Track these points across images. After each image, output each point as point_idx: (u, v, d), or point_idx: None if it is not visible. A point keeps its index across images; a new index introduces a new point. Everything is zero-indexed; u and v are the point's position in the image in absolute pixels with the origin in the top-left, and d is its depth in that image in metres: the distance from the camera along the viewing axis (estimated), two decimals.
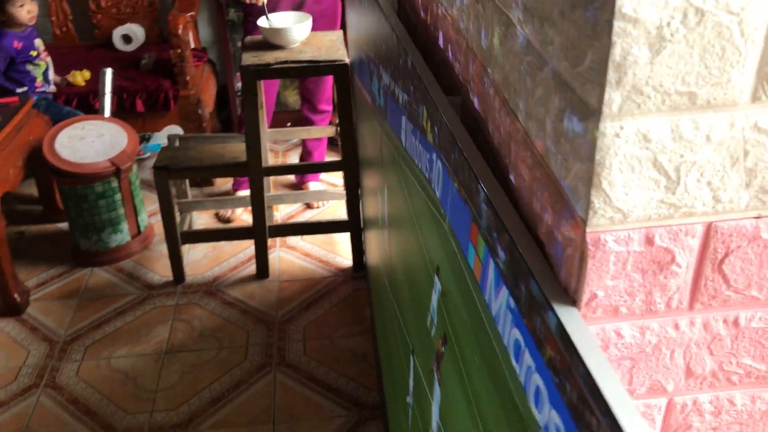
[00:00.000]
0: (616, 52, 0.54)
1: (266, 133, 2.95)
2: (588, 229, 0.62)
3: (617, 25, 0.53)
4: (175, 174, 2.60)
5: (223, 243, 3.06)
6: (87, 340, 2.55)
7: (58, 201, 3.12)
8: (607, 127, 0.57)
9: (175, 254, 2.76)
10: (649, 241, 0.63)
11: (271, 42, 2.61)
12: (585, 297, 0.65)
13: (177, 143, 2.84)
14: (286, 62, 2.52)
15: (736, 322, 0.69)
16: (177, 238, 2.72)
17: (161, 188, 2.61)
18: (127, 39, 3.73)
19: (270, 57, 2.55)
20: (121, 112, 3.24)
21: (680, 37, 0.54)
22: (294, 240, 3.11)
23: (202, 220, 3.27)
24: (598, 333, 0.67)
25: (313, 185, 3.39)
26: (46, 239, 3.15)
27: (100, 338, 2.57)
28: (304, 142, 3.31)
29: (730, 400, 0.74)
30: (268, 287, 2.82)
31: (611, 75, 0.55)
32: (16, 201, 3.43)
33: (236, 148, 2.73)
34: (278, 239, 3.11)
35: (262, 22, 2.62)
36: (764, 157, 0.60)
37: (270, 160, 3.21)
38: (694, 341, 0.69)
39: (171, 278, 2.86)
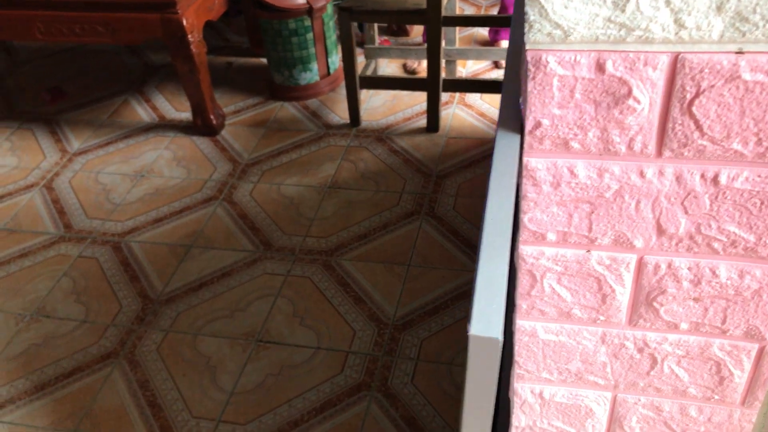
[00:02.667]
0: None
1: None
2: (527, 47, 0.56)
3: None
4: (356, 16, 2.65)
5: (403, 94, 3.12)
6: (265, 166, 2.80)
7: None
8: None
9: (352, 96, 2.86)
10: (600, 67, 0.56)
11: None
12: (529, 124, 0.60)
13: None
14: None
15: (715, 180, 0.60)
16: (355, 81, 2.82)
17: (343, 29, 2.68)
18: None
19: None
20: None
21: None
22: (472, 98, 3.08)
23: (390, 69, 3.34)
24: (549, 168, 0.63)
25: (505, 44, 3.28)
26: (249, 72, 3.42)
27: (276, 166, 2.80)
28: None
29: (713, 270, 0.66)
30: (435, 141, 2.86)
31: None
32: (230, 34, 3.73)
33: None
34: (457, 96, 3.10)
35: None
36: None
37: (460, 11, 3.14)
38: (663, 194, 0.62)
39: (348, 121, 2.99)
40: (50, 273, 2.36)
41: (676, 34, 0.53)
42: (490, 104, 3.02)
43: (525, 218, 0.66)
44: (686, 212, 0.62)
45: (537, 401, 0.81)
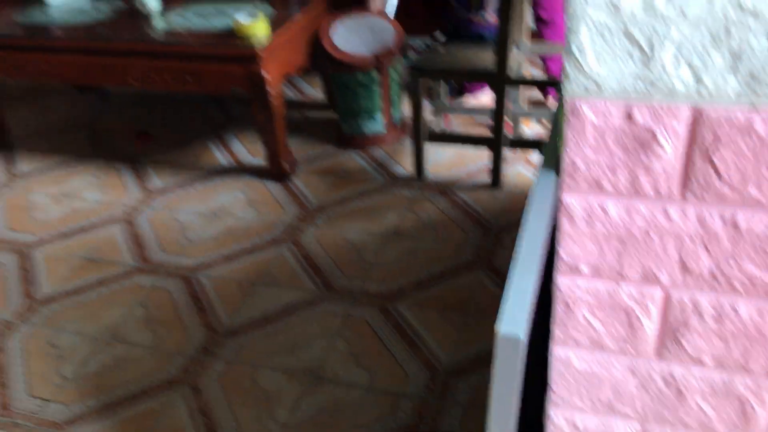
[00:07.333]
0: None
1: (525, 45, 2.99)
2: (565, 97, 0.65)
3: None
4: (425, 73, 2.78)
5: (467, 149, 3.22)
6: (331, 212, 2.92)
7: None
8: None
9: (418, 150, 2.98)
10: (629, 117, 0.64)
11: None
12: (565, 165, 0.68)
13: (439, 47, 3.02)
14: None
15: (734, 222, 0.66)
16: (422, 135, 2.94)
17: (412, 86, 2.82)
18: None
19: None
20: (403, 13, 3.48)
21: None
22: (537, 157, 3.15)
23: (457, 125, 3.45)
24: (584, 206, 0.70)
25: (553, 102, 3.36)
26: (322, 123, 3.59)
27: (341, 212, 2.92)
28: (541, 56, 3.29)
29: (734, 308, 0.71)
30: (497, 197, 2.93)
31: None
32: (307, 88, 3.93)
33: (490, 57, 2.82)
34: (521, 154, 3.18)
35: None
36: (750, 39, 0.57)
37: (529, 74, 3.25)
38: (687, 234, 0.68)
39: (413, 173, 3.10)
40: (125, 301, 2.52)
41: (697, 90, 0.61)
42: None
43: (561, 251, 0.73)
44: (708, 252, 0.69)
45: (570, 429, 0.87)
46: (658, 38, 0.59)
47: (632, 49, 0.61)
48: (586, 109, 0.65)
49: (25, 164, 3.46)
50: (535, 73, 3.81)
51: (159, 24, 3.17)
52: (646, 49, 0.60)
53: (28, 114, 3.96)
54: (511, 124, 3.18)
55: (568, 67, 0.63)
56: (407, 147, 3.30)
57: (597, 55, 0.62)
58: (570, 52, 0.62)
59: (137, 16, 3.23)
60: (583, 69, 0.63)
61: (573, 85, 0.64)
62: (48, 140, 3.67)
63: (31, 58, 3.18)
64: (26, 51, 3.19)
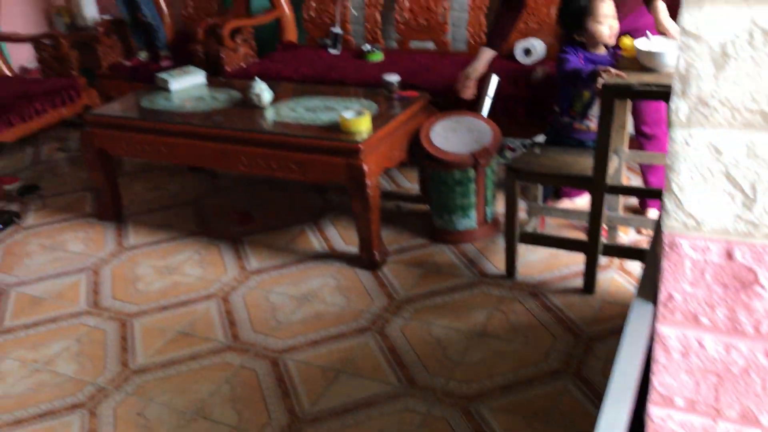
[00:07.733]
0: (681, 65, 0.59)
1: (624, 153, 2.99)
2: (664, 231, 0.66)
3: (681, 39, 0.58)
4: (521, 176, 2.81)
5: (560, 252, 3.19)
6: (418, 305, 2.94)
7: None
8: (677, 133, 0.62)
9: (510, 250, 2.98)
10: (729, 255, 0.64)
11: (643, 63, 2.65)
12: (662, 296, 0.68)
13: (537, 149, 3.06)
14: (649, 85, 2.54)
15: None
16: (515, 235, 2.94)
17: (508, 187, 2.85)
18: (527, 52, 4.05)
19: (634, 78, 2.59)
20: (502, 114, 3.54)
21: (746, 55, 0.57)
22: (632, 265, 3.09)
23: (551, 227, 3.44)
24: (679, 338, 0.70)
25: (652, 213, 3.30)
26: (415, 216, 3.65)
27: (429, 306, 2.93)
28: (641, 166, 3.27)
29: None
30: (590, 303, 2.88)
31: (676, 85, 0.60)
32: (403, 180, 4.03)
33: (588, 163, 2.83)
34: (616, 261, 3.12)
35: (641, 42, 2.68)
36: None
37: (626, 180, 3.23)
38: None
39: (503, 272, 3.10)
40: (214, 378, 2.58)
41: None
42: None
43: (655, 381, 0.73)
44: None
45: None
46: (761, 183, 0.60)
47: (734, 192, 0.62)
48: (684, 245, 0.65)
49: (134, 237, 3.66)
50: (634, 179, 3.78)
51: (270, 115, 3.37)
52: (748, 192, 0.61)
53: (142, 190, 4.23)
54: (608, 229, 3.14)
55: (668, 203, 0.64)
56: (499, 245, 3.30)
57: (697, 195, 0.63)
58: (670, 190, 0.64)
59: (250, 106, 3.44)
60: (683, 206, 0.64)
61: (672, 221, 0.65)
62: (157, 215, 3.89)
63: (150, 140, 3.42)
64: (146, 133, 3.44)
